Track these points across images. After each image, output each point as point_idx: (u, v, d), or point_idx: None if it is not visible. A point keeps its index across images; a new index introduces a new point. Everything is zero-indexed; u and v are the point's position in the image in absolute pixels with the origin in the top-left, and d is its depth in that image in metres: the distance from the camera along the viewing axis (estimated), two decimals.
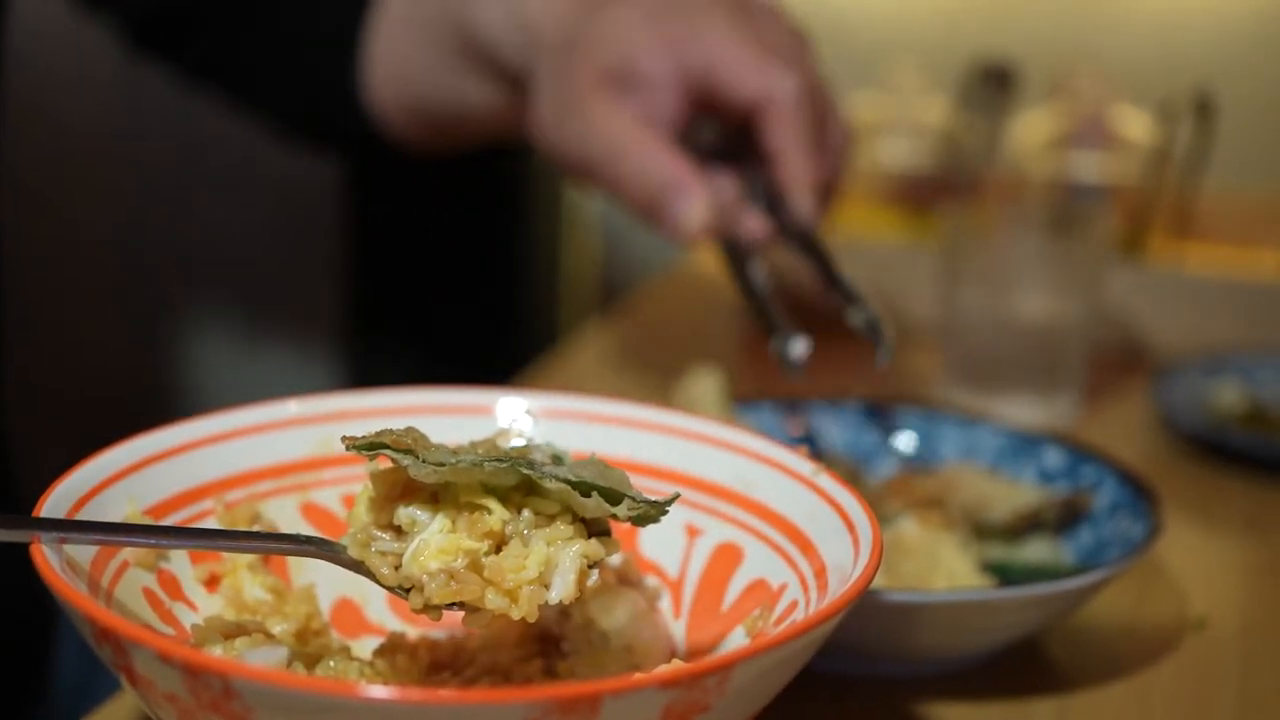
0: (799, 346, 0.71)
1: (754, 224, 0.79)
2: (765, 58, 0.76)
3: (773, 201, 0.79)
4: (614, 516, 0.49)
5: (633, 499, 0.49)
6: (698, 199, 0.76)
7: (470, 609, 0.48)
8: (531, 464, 0.49)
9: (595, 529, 0.50)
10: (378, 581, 0.50)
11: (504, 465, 0.48)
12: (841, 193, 0.84)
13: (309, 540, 0.52)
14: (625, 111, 0.76)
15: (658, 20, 0.76)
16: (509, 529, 0.49)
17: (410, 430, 0.50)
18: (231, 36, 0.95)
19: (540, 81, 0.81)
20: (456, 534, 0.48)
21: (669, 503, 0.50)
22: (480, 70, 0.88)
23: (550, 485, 0.48)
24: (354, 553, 0.50)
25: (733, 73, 0.76)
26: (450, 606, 0.49)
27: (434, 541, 0.48)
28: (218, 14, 0.94)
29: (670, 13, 0.77)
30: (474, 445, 0.53)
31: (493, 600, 0.48)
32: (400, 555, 0.49)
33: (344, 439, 0.49)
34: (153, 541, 0.52)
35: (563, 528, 0.49)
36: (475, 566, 0.48)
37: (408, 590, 0.49)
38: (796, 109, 0.76)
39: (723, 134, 0.83)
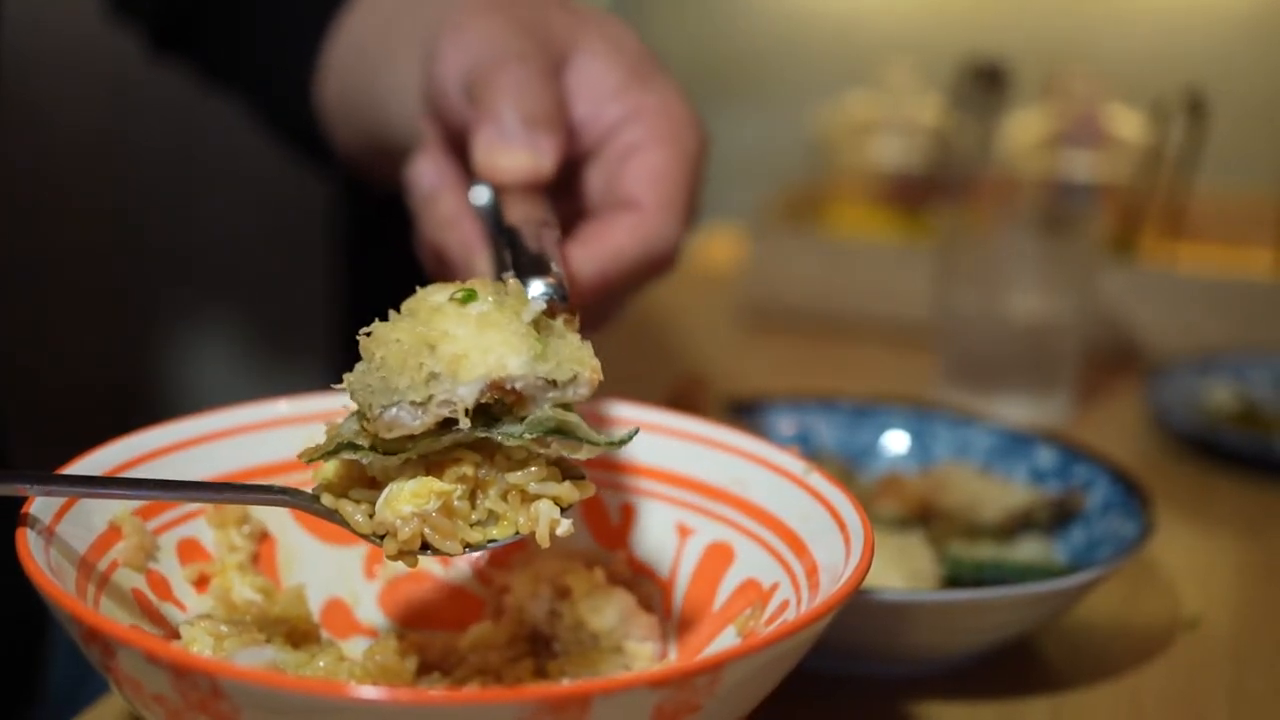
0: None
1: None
2: (677, 207, 0.66)
3: None
4: (577, 458, 0.49)
5: (593, 442, 0.49)
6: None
7: (440, 553, 0.49)
8: (489, 426, 0.49)
9: (568, 472, 0.50)
10: (351, 529, 0.50)
11: (461, 433, 0.48)
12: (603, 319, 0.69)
13: (282, 490, 0.52)
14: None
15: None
16: (482, 472, 0.49)
17: (361, 429, 0.49)
18: (232, 34, 0.94)
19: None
20: (429, 477, 0.48)
21: (630, 437, 0.50)
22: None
23: (510, 444, 0.48)
24: (327, 502, 0.50)
25: (639, 177, 0.66)
26: (424, 550, 0.49)
27: (407, 486, 0.49)
28: (220, 11, 0.94)
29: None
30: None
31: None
32: (374, 504, 0.49)
33: (300, 455, 0.50)
34: (129, 494, 0.52)
35: (535, 469, 0.49)
36: (448, 510, 0.49)
37: (381, 537, 0.49)
38: (641, 259, 0.65)
39: None
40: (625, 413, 0.61)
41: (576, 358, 0.49)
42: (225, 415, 0.59)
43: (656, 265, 0.66)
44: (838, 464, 0.79)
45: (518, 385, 0.48)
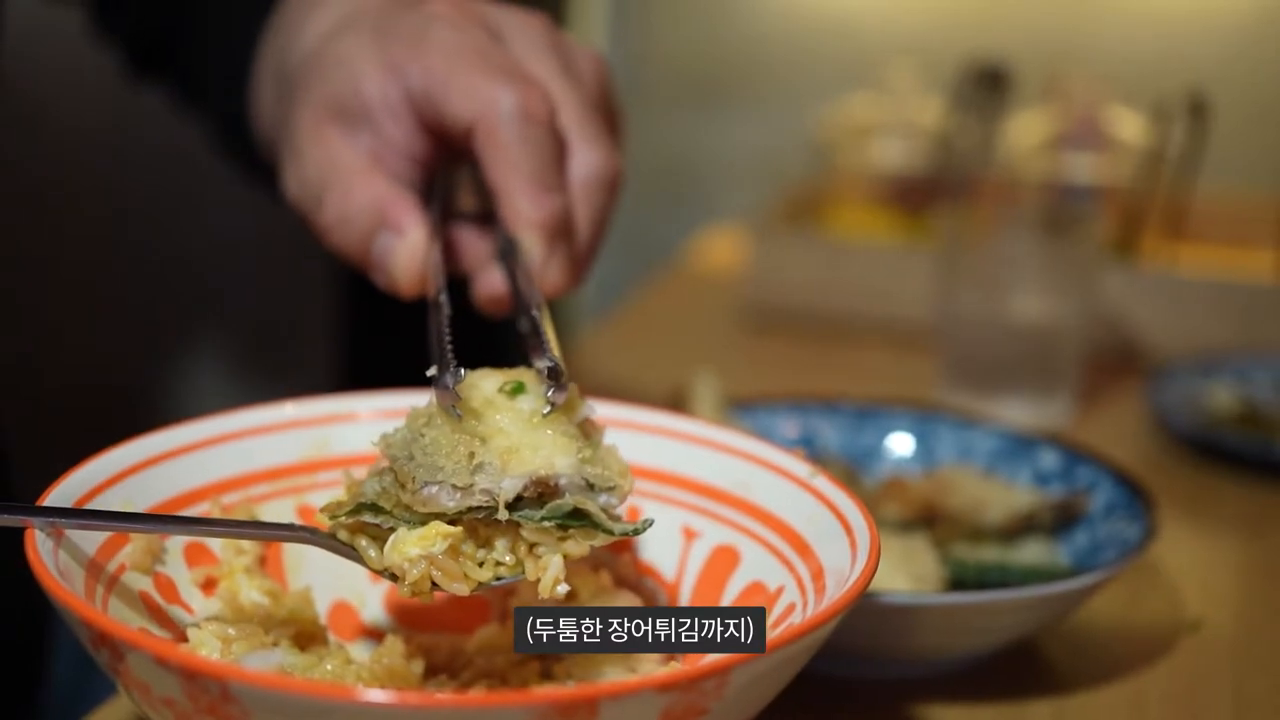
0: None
1: (492, 282, 0.64)
2: (483, 71, 0.62)
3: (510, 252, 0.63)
4: (593, 544, 0.50)
5: (608, 531, 0.50)
6: (409, 234, 0.62)
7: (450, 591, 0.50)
8: (513, 506, 0.50)
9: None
10: (367, 566, 0.51)
11: (480, 516, 0.49)
12: (593, 258, 0.66)
13: (300, 527, 0.53)
14: (347, 147, 0.64)
15: (384, 41, 0.64)
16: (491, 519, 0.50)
17: (384, 490, 0.50)
18: (203, 56, 0.92)
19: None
20: (437, 521, 0.49)
21: (645, 527, 0.51)
22: None
23: (528, 528, 0.49)
24: (343, 538, 0.51)
25: (446, 91, 0.62)
26: (436, 588, 0.50)
27: (414, 531, 0.49)
28: (193, 34, 0.91)
29: (398, 32, 0.64)
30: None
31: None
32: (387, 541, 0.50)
33: (321, 512, 0.51)
34: (144, 527, 0.52)
35: (545, 533, 0.50)
36: (455, 552, 0.49)
37: (396, 576, 0.50)
38: (511, 129, 0.61)
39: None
40: (627, 414, 0.61)
41: (620, 469, 0.50)
42: (230, 419, 0.59)
43: (591, 200, 0.64)
44: (841, 466, 0.79)
45: (560, 483, 0.49)
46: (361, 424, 0.60)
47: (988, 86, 1.30)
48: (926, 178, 1.33)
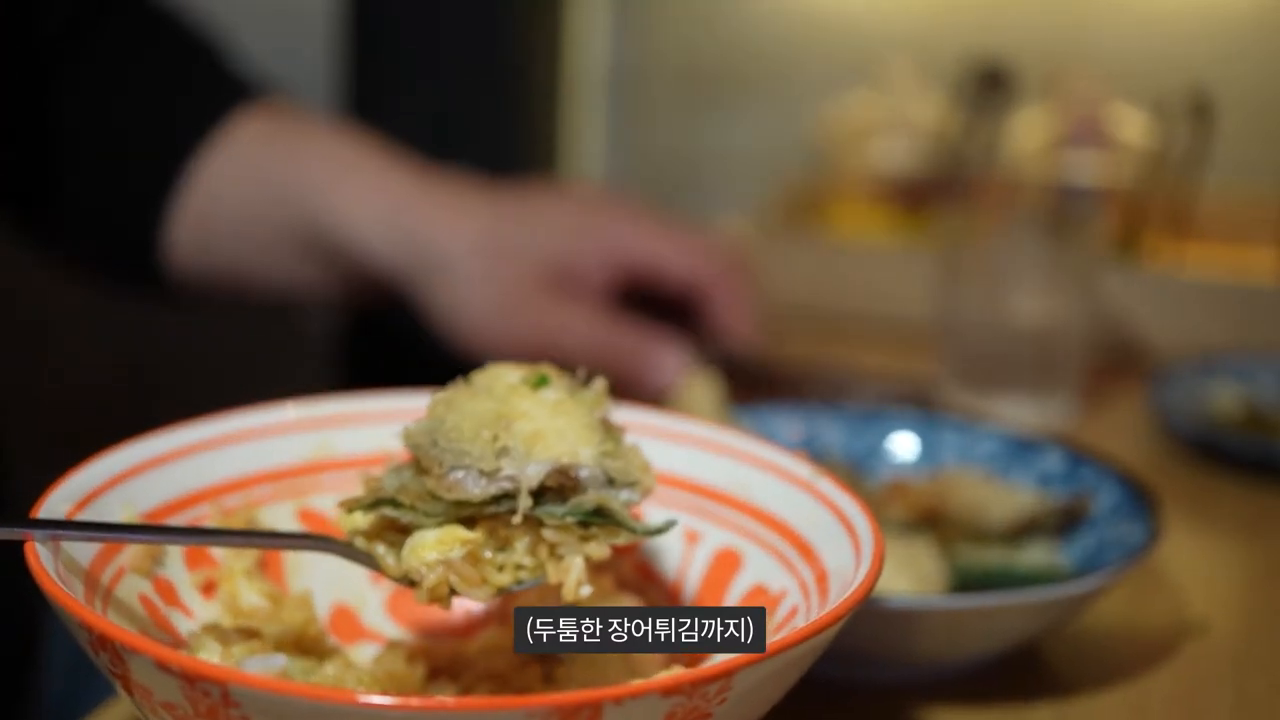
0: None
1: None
2: (687, 249, 0.95)
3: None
4: (615, 543, 0.50)
5: (631, 530, 0.50)
6: (672, 350, 0.90)
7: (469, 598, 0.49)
8: (535, 500, 0.49)
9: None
10: (384, 573, 0.51)
11: (502, 510, 0.49)
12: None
13: (316, 536, 0.53)
14: (574, 304, 0.91)
15: (587, 231, 0.93)
16: (513, 519, 0.49)
17: (404, 485, 0.50)
18: (37, 178, 0.96)
19: (460, 287, 0.91)
20: (455, 525, 0.49)
21: (667, 527, 0.51)
22: (321, 260, 0.94)
23: (550, 525, 0.49)
24: (360, 545, 0.51)
25: (668, 265, 0.95)
26: (454, 594, 0.49)
27: (431, 534, 0.49)
28: (23, 162, 0.95)
29: (594, 221, 0.94)
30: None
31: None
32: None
33: (339, 506, 0.51)
34: (151, 538, 0.52)
35: (567, 534, 0.49)
36: (474, 558, 0.49)
37: (414, 583, 0.50)
38: (731, 281, 0.95)
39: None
40: (627, 415, 0.60)
41: (641, 465, 0.50)
42: (231, 420, 0.59)
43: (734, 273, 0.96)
44: (843, 468, 0.79)
45: (583, 474, 0.49)
46: (364, 426, 0.60)
47: (989, 85, 1.30)
48: (927, 177, 1.32)
